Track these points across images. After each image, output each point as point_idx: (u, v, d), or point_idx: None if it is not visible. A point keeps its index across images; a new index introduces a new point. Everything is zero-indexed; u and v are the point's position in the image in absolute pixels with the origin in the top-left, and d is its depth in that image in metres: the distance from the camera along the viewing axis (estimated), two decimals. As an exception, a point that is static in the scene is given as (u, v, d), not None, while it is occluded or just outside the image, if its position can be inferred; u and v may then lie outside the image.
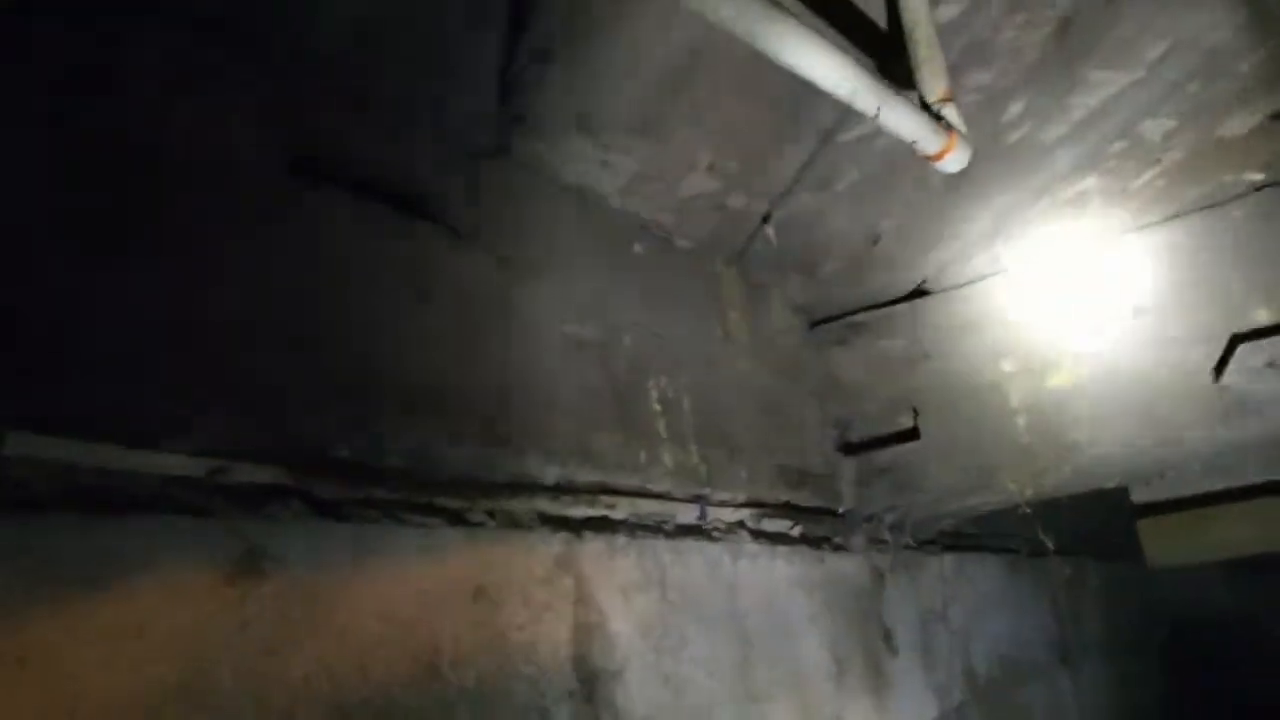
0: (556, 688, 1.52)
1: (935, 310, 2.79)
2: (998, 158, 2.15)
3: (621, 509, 1.85)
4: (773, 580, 2.28)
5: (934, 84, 1.52)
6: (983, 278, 2.72)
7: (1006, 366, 2.66)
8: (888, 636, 2.75)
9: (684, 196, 2.13)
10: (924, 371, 2.78)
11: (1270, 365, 2.26)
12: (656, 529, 1.94)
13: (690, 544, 2.02)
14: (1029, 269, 2.65)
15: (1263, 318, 2.33)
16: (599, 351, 1.92)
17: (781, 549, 2.35)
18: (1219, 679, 6.57)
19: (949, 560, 3.33)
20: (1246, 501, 5.75)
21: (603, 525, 1.78)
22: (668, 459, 2.02)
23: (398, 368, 1.47)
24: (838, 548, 2.66)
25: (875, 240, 2.50)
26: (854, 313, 2.89)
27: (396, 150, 1.60)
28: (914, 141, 1.48)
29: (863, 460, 2.82)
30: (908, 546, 3.07)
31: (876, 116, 1.35)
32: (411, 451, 1.46)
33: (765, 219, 2.30)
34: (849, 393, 2.87)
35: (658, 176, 2.03)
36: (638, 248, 2.15)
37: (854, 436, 2.86)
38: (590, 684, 1.59)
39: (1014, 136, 2.06)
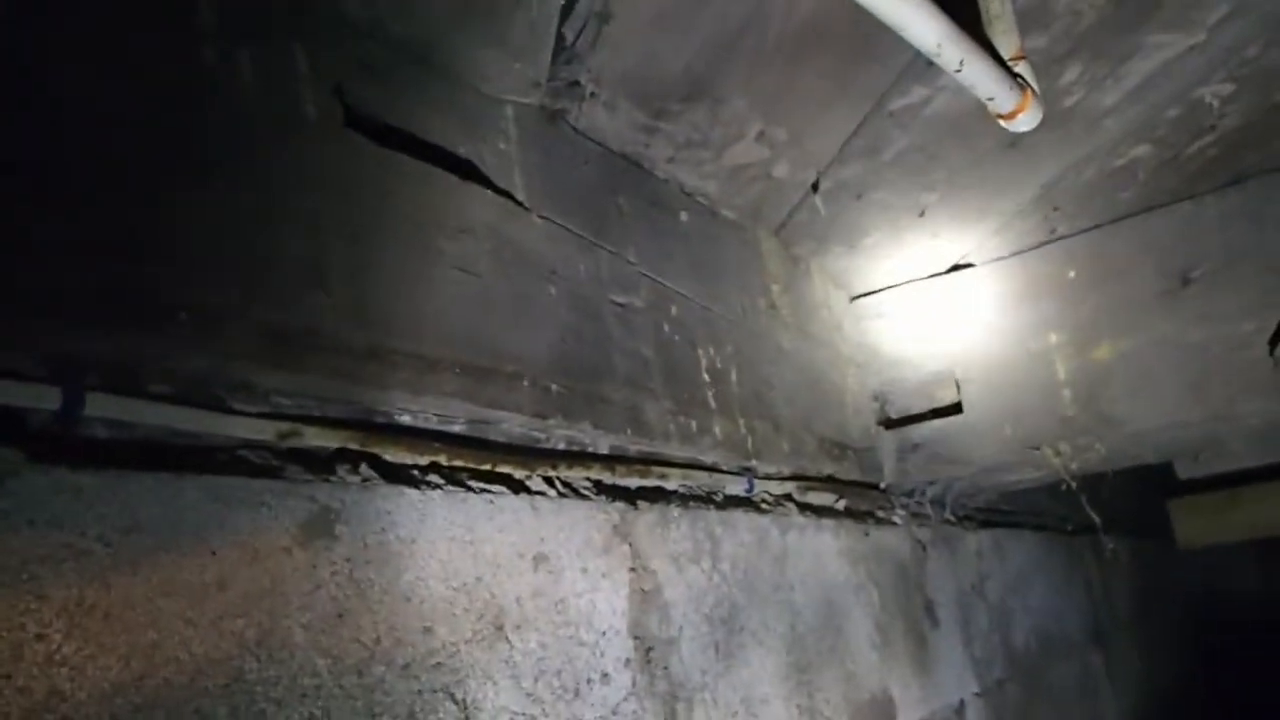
0: (615, 653, 1.52)
1: (980, 281, 2.76)
2: (1050, 125, 2.10)
3: (673, 479, 1.85)
4: (819, 552, 2.27)
5: (1007, 41, 1.49)
6: (1028, 248, 2.69)
7: (1053, 338, 2.63)
8: (930, 610, 2.74)
9: (731, 165, 2.12)
10: (967, 344, 2.75)
11: (1324, 336, 2.23)
12: (707, 500, 1.93)
13: (739, 515, 2.01)
14: (1075, 239, 2.62)
15: (1317, 289, 2.30)
16: (648, 321, 1.91)
17: (827, 521, 2.34)
18: (1246, 660, 6.53)
19: (986, 536, 3.31)
20: (1274, 483, 5.71)
21: (656, 495, 1.78)
22: (717, 430, 2.01)
23: (456, 333, 1.46)
24: (881, 521, 2.65)
25: (921, 212, 2.48)
26: (896, 285, 2.86)
27: (455, 115, 1.58)
28: (990, 99, 1.46)
29: (903, 434, 2.80)
30: (947, 521, 3.05)
31: (959, 70, 1.32)
32: (472, 418, 1.46)
33: (814, 188, 2.28)
34: (890, 366, 2.85)
35: (705, 144, 2.01)
36: (684, 216, 2.14)
37: (894, 410, 2.84)
38: (647, 651, 1.59)
39: (1068, 103, 2.03)
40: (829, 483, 2.47)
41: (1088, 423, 2.57)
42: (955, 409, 2.75)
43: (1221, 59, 1.93)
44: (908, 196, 2.40)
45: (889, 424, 2.83)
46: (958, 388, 2.76)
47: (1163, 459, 2.77)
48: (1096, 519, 3.14)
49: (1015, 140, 2.18)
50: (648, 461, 1.76)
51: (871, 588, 2.42)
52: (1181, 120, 2.15)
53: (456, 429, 1.45)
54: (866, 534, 2.50)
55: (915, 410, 2.83)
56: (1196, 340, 2.42)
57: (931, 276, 2.82)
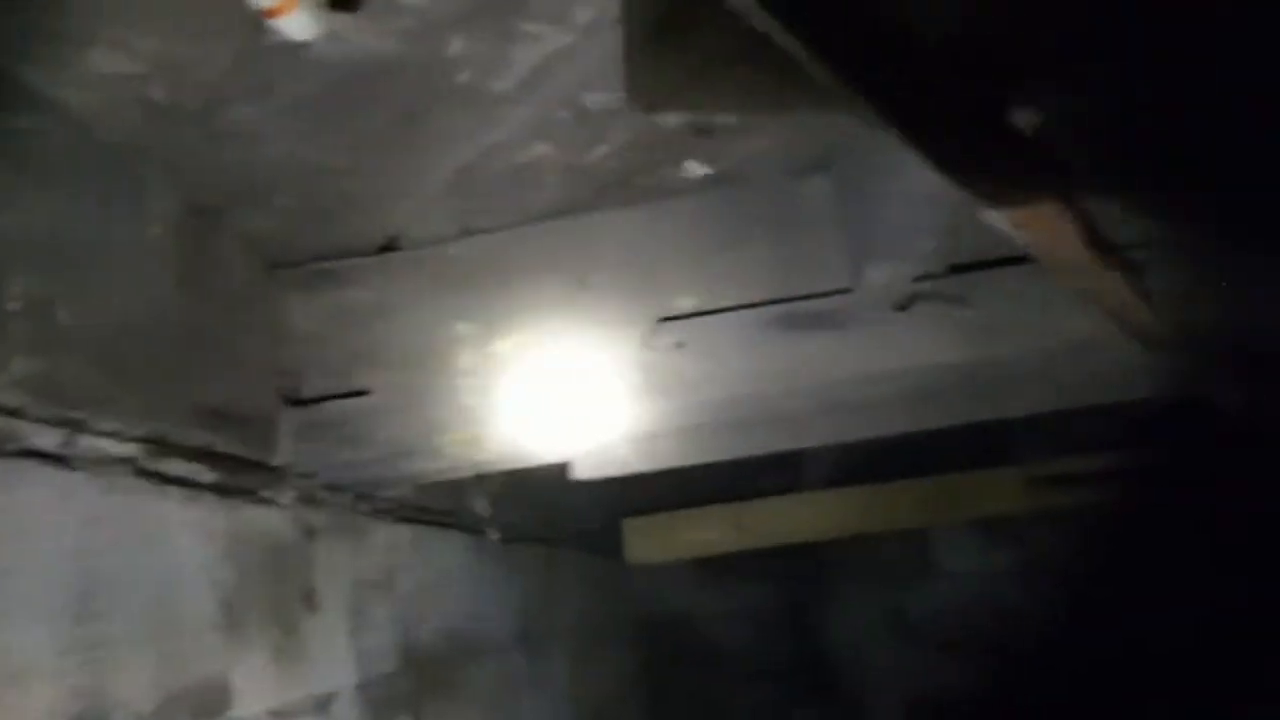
0: None
1: (404, 265, 2.71)
2: (448, 102, 2.11)
3: (-73, 411, 1.55)
4: (158, 523, 2.05)
5: None
6: (451, 238, 2.69)
7: (462, 328, 2.64)
8: (310, 597, 2.61)
9: (95, 73, 1.86)
10: (385, 327, 2.69)
11: (678, 345, 2.44)
12: (-17, 444, 1.64)
13: (35, 467, 1.74)
14: (494, 234, 2.66)
15: (686, 305, 2.51)
16: (-70, 223, 1.60)
17: (178, 491, 2.13)
18: (681, 675, 7.16)
19: (405, 530, 3.27)
20: (715, 505, 6.39)
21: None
22: (18, 367, 1.73)
23: None
24: (263, 500, 2.48)
25: (333, 174, 2.37)
26: (320, 259, 2.73)
27: None
28: None
29: (308, 413, 2.66)
30: (356, 510, 2.96)
31: None
32: None
33: (201, 123, 2.08)
34: (306, 341, 2.70)
35: (51, 38, 1.75)
36: (27, 121, 1.84)
37: (305, 387, 2.69)
38: None
39: (460, 79, 2.02)
40: (202, 453, 2.26)
41: (483, 414, 2.60)
42: (364, 391, 2.67)
43: (600, 66, 2.03)
44: (314, 155, 2.27)
45: (295, 401, 2.67)
46: (370, 370, 2.68)
47: (558, 457, 2.90)
48: (487, 516, 3.23)
49: (412, 114, 2.16)
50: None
51: (227, 567, 2.24)
52: (575, 125, 2.24)
53: None
54: (233, 510, 2.31)
55: (328, 391, 2.70)
56: (586, 338, 2.54)
57: (359, 255, 2.73)
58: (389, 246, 2.73)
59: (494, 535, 3.67)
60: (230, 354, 2.45)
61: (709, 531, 6.58)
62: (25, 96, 1.84)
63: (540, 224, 2.61)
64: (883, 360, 2.48)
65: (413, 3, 1.79)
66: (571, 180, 2.48)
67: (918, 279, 2.40)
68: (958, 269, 2.43)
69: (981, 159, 1.32)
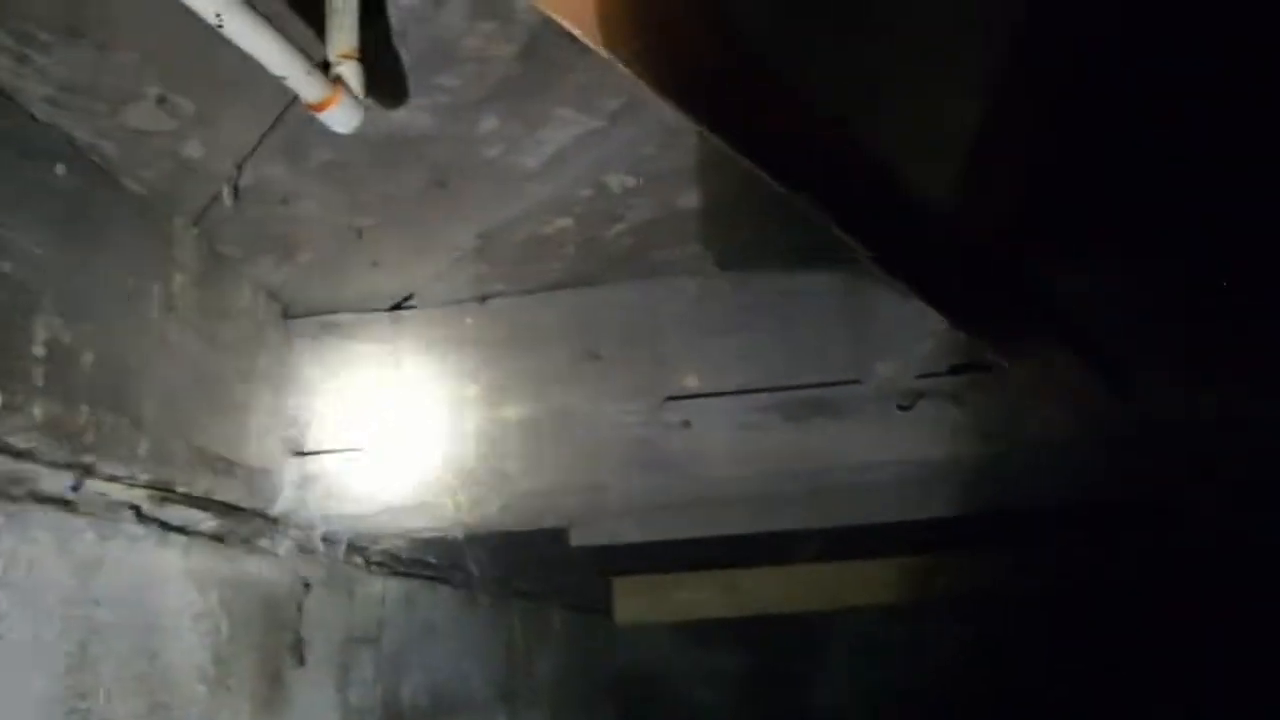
0: None
1: (417, 324, 2.75)
2: (476, 174, 2.16)
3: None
4: (155, 570, 2.06)
5: (340, 39, 1.47)
6: (466, 299, 2.72)
7: (469, 390, 2.67)
8: (299, 649, 2.61)
9: (130, 127, 1.91)
10: (393, 384, 2.72)
11: (684, 424, 2.47)
12: (-5, 488, 1.67)
13: (38, 512, 1.76)
14: (508, 299, 2.70)
15: (691, 384, 2.54)
16: (-40, 269, 1.63)
17: (177, 538, 2.14)
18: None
19: (395, 584, 3.27)
20: (708, 571, 6.37)
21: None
22: (38, 412, 1.75)
23: None
24: (259, 550, 2.49)
25: (358, 234, 2.41)
26: (335, 312, 2.77)
27: None
28: (284, 78, 1.41)
29: (308, 464, 2.68)
30: (350, 563, 2.96)
31: (220, 26, 1.26)
32: None
33: (231, 181, 2.13)
34: (313, 393, 2.73)
35: (94, 93, 1.79)
36: (61, 170, 1.88)
37: (309, 438, 2.71)
38: None
39: (489, 154, 2.07)
40: (204, 501, 2.27)
41: (486, 477, 2.62)
42: (367, 446, 2.69)
43: (624, 150, 2.08)
44: (341, 215, 2.32)
45: (298, 452, 2.69)
46: (374, 424, 2.70)
47: (557, 523, 2.91)
48: (475, 572, 3.23)
49: (442, 183, 2.20)
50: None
51: (220, 616, 2.25)
52: (595, 202, 2.29)
53: None
54: (231, 559, 2.33)
55: (331, 443, 2.72)
56: (588, 410, 2.57)
57: (372, 310, 2.77)
58: (402, 304, 2.77)
59: (485, 595, 3.67)
60: (240, 402, 2.48)
61: (699, 594, 6.55)
62: (60, 147, 1.89)
63: (553, 293, 2.65)
64: (881, 452, 2.51)
65: (449, 83, 1.84)
66: (589, 251, 2.52)
67: (920, 376, 2.43)
68: (956, 369, 2.46)
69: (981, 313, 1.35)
